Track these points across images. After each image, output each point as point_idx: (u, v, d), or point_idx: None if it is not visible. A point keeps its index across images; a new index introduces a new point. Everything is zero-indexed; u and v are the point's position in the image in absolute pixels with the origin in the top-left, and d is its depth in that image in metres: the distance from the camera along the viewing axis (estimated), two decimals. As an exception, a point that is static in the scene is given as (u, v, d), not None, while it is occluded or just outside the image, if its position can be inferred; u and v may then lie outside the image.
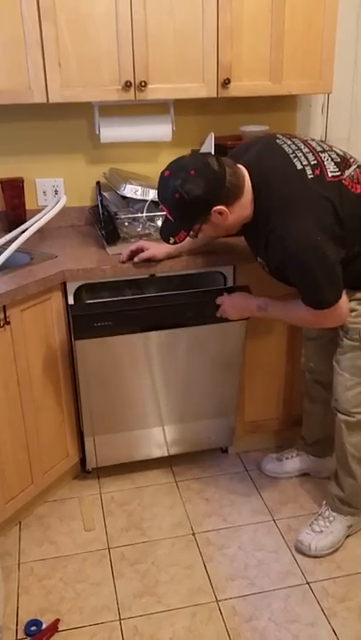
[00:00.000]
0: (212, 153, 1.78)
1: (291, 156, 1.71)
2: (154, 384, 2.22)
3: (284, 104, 2.64)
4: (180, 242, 1.79)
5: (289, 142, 1.76)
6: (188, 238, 1.79)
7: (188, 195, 1.63)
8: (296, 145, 1.75)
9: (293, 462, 2.41)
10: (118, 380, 2.16)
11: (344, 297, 1.74)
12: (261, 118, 2.58)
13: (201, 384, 2.27)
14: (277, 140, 1.78)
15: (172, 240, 1.77)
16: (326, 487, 2.18)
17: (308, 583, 1.93)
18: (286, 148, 1.73)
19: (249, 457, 2.55)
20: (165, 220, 1.78)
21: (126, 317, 2.02)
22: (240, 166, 1.72)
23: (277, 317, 1.97)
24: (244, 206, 1.73)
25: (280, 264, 1.73)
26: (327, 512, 2.09)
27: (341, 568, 1.99)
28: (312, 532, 2.05)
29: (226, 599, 1.88)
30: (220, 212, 1.68)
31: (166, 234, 1.78)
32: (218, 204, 1.67)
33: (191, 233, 1.76)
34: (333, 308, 1.72)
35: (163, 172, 1.70)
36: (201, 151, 2.36)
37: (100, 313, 1.99)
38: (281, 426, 2.52)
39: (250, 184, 1.71)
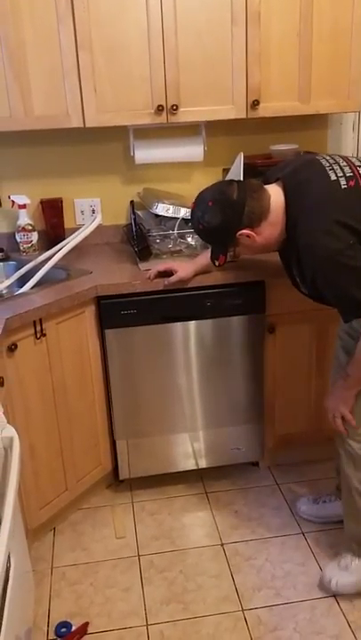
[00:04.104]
0: (235, 180, 1.81)
1: (327, 168, 1.72)
2: (180, 380, 2.30)
3: (314, 122, 2.69)
4: (222, 264, 1.88)
5: (328, 157, 1.77)
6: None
7: (209, 224, 1.74)
8: (335, 159, 1.76)
9: (329, 507, 2.26)
10: (147, 376, 2.27)
11: None
12: (292, 137, 2.64)
13: (227, 382, 2.33)
14: (317, 156, 1.80)
15: (216, 263, 1.88)
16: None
17: (334, 596, 1.94)
18: (324, 162, 1.74)
19: (280, 471, 2.56)
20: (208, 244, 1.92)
21: (150, 306, 2.17)
22: (267, 187, 1.75)
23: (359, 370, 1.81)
24: (274, 224, 1.74)
25: (313, 274, 1.69)
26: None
27: (369, 582, 1.98)
28: (337, 566, 1.97)
29: (251, 609, 1.91)
30: (248, 235, 1.74)
31: (212, 257, 1.89)
32: (241, 229, 1.72)
33: (229, 255, 1.84)
34: None
35: (192, 205, 1.81)
36: (231, 170, 2.43)
37: (125, 301, 2.16)
38: (312, 441, 2.53)
39: (282, 200, 1.73)
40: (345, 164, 1.74)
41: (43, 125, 2.21)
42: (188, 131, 2.55)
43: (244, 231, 1.73)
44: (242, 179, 2.30)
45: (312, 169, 1.74)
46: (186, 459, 2.44)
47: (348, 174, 1.70)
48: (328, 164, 1.73)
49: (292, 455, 2.59)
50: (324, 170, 1.71)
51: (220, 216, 1.72)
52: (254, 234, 1.74)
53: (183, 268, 2.13)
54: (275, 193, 1.74)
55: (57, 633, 1.85)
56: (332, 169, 1.71)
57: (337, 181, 1.68)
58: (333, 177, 1.69)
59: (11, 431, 1.41)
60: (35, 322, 1.95)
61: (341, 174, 1.69)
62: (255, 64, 2.25)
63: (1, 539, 1.13)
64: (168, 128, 2.51)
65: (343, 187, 1.67)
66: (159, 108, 2.24)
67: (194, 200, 1.80)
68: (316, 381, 2.42)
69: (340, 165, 1.73)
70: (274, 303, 2.26)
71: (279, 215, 1.74)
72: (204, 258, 2.08)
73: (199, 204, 1.77)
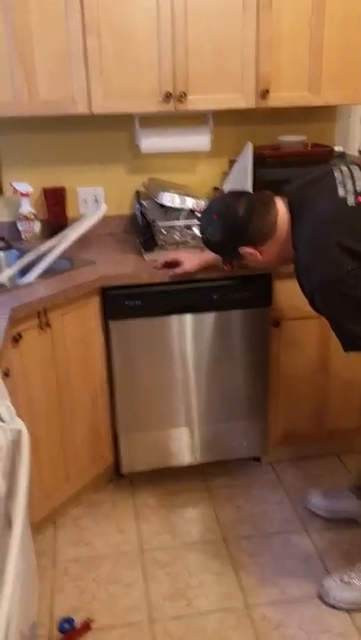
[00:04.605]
0: (245, 192, 1.76)
1: (338, 183, 1.60)
2: (184, 373, 2.27)
3: (322, 114, 2.66)
4: (230, 269, 1.90)
5: (345, 169, 1.64)
6: None
7: (210, 238, 1.74)
8: (351, 172, 1.63)
9: (342, 503, 2.21)
10: (150, 370, 2.23)
11: None
12: (300, 128, 2.60)
13: (230, 376, 2.30)
14: (333, 167, 1.67)
15: (224, 268, 1.90)
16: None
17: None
18: (337, 175, 1.62)
19: (282, 466, 2.54)
20: None
21: (155, 297, 2.14)
22: (277, 202, 1.68)
23: None
24: (280, 242, 1.68)
25: (312, 297, 1.62)
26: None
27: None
28: (340, 581, 1.88)
29: (256, 605, 1.89)
30: (250, 253, 1.70)
31: (222, 261, 1.89)
32: (243, 245, 1.69)
33: (234, 263, 1.84)
34: None
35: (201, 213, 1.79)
36: (238, 161, 2.40)
37: (130, 293, 2.12)
38: (315, 436, 2.51)
39: (287, 217, 1.66)
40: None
41: (47, 111, 2.16)
42: (195, 120, 2.51)
43: (246, 249, 1.70)
44: (250, 170, 2.27)
45: (321, 183, 1.65)
46: (188, 453, 2.41)
47: (358, 189, 1.58)
48: (340, 178, 1.62)
49: (294, 451, 2.57)
50: (334, 185, 1.61)
51: (222, 232, 1.70)
52: (257, 252, 1.70)
53: (189, 260, 2.10)
54: (282, 209, 1.67)
55: (60, 629, 1.82)
56: (344, 183, 1.60)
57: (344, 198, 1.57)
58: (342, 193, 1.58)
59: (19, 424, 1.37)
60: (39, 312, 1.91)
61: (352, 189, 1.58)
62: (266, 52, 2.21)
63: (13, 546, 1.09)
64: (174, 117, 2.46)
65: (350, 204, 1.56)
66: (167, 96, 2.20)
67: (203, 209, 1.79)
68: (321, 376, 2.40)
69: (353, 179, 1.61)
70: (280, 297, 2.23)
71: (286, 233, 1.67)
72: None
73: (205, 214, 1.77)
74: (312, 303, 1.64)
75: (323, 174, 1.67)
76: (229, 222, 1.68)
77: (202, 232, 1.78)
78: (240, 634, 1.79)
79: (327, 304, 1.60)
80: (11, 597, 1.03)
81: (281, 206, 1.68)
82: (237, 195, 1.75)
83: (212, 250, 1.82)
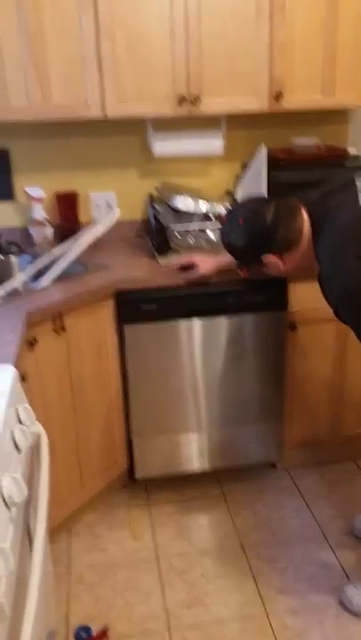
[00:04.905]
0: (272, 199, 1.68)
1: (360, 192, 1.59)
2: (199, 377, 2.24)
3: (335, 117, 2.65)
4: (245, 276, 1.85)
5: None
6: None
7: (234, 243, 1.69)
8: None
9: None
10: (164, 374, 2.21)
11: None
12: (312, 131, 2.59)
13: (245, 380, 2.28)
14: (356, 176, 1.65)
15: (240, 273, 1.85)
16: None
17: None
18: (359, 185, 1.61)
19: (297, 472, 2.51)
20: None
21: (170, 301, 2.12)
22: (302, 210, 1.65)
23: None
24: (303, 251, 1.66)
25: (336, 307, 1.60)
26: None
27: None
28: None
29: (276, 613, 1.85)
30: (273, 261, 1.67)
31: (237, 265, 1.84)
32: (267, 253, 1.66)
33: (251, 270, 1.78)
34: None
35: (224, 216, 1.74)
36: (252, 164, 2.39)
37: (144, 297, 2.11)
38: (331, 441, 2.48)
39: (309, 227, 1.64)
40: None
41: (61, 115, 2.16)
42: (208, 124, 2.50)
43: (270, 257, 1.66)
44: (265, 173, 2.26)
45: (343, 193, 1.63)
46: (203, 458, 2.38)
47: None
48: None
49: (309, 456, 2.54)
50: (355, 195, 1.59)
51: (247, 238, 1.66)
52: (281, 261, 1.67)
53: (205, 264, 2.08)
54: (306, 217, 1.65)
55: (77, 637, 1.79)
56: None
57: None
58: None
59: (39, 428, 1.35)
60: (54, 316, 1.90)
61: None
62: (280, 55, 2.21)
63: (36, 558, 1.07)
64: (187, 121, 2.46)
65: None
66: (181, 99, 2.19)
67: (227, 212, 1.73)
68: (337, 381, 2.37)
69: None
70: (296, 300, 2.21)
71: (308, 242, 1.65)
72: (228, 256, 2.02)
73: (230, 219, 1.71)
74: (336, 313, 1.62)
75: (344, 184, 1.65)
76: (256, 229, 1.64)
77: (224, 236, 1.73)
78: (261, 642, 1.76)
79: (351, 315, 1.58)
80: (37, 608, 1.01)
81: (304, 214, 1.65)
82: (264, 201, 1.70)
83: (233, 255, 1.77)
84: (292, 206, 1.65)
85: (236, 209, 1.73)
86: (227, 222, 1.73)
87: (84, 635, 1.79)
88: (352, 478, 2.46)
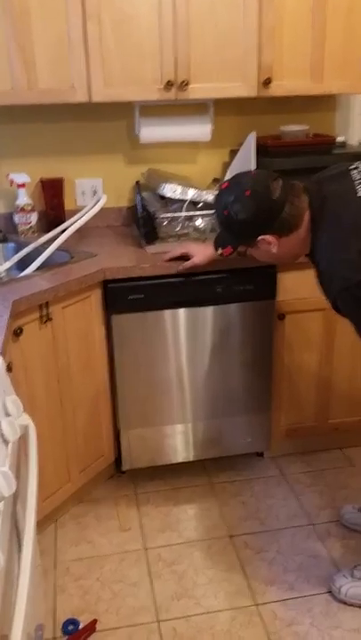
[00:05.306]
0: (279, 176, 1.59)
1: (356, 183, 1.55)
2: (187, 367, 2.22)
3: (323, 104, 2.62)
4: (227, 256, 1.70)
5: None
6: None
7: (236, 215, 1.56)
8: None
9: None
10: (152, 364, 2.19)
11: None
12: (300, 118, 2.56)
13: (234, 369, 2.26)
14: (351, 166, 1.61)
15: (219, 251, 1.70)
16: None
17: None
18: (355, 175, 1.57)
19: (285, 461, 2.51)
20: (220, 230, 1.71)
21: (157, 291, 2.09)
22: (305, 197, 1.58)
23: None
24: (300, 238, 1.59)
25: (334, 300, 1.55)
26: None
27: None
28: (350, 576, 1.85)
29: (266, 603, 1.85)
30: (269, 242, 1.58)
31: (217, 243, 1.73)
32: (266, 233, 1.57)
33: (238, 250, 1.68)
34: None
35: (222, 183, 1.63)
36: (241, 151, 2.35)
37: (132, 286, 2.07)
38: (318, 430, 2.48)
39: (308, 214, 1.58)
40: None
41: (46, 99, 2.10)
42: (196, 109, 2.46)
43: (267, 237, 1.57)
44: (254, 160, 2.23)
45: (340, 183, 1.58)
46: (190, 449, 2.36)
47: None
48: (358, 178, 1.56)
49: (296, 445, 2.54)
50: (351, 184, 1.55)
51: (251, 211, 1.54)
52: (277, 243, 1.58)
53: (200, 254, 2.01)
54: (306, 204, 1.58)
55: (64, 630, 1.77)
56: None
57: None
58: None
59: (26, 419, 1.32)
60: (41, 305, 1.86)
61: None
62: (268, 40, 2.17)
63: (25, 552, 1.04)
64: (175, 106, 2.42)
65: None
66: (168, 84, 2.15)
67: (228, 179, 1.62)
68: (325, 370, 2.37)
69: None
70: (285, 289, 2.19)
71: (306, 231, 1.59)
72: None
73: (234, 187, 1.58)
74: (334, 305, 1.57)
75: (339, 173, 1.62)
76: (264, 203, 1.53)
77: (223, 206, 1.58)
78: (251, 632, 1.75)
79: (350, 307, 1.53)
80: (26, 603, 0.98)
81: (306, 199, 1.58)
82: (273, 176, 1.58)
83: (227, 227, 1.62)
84: (296, 187, 1.57)
85: (242, 179, 1.59)
86: (228, 191, 1.59)
87: (71, 628, 1.77)
88: (339, 467, 2.47)
